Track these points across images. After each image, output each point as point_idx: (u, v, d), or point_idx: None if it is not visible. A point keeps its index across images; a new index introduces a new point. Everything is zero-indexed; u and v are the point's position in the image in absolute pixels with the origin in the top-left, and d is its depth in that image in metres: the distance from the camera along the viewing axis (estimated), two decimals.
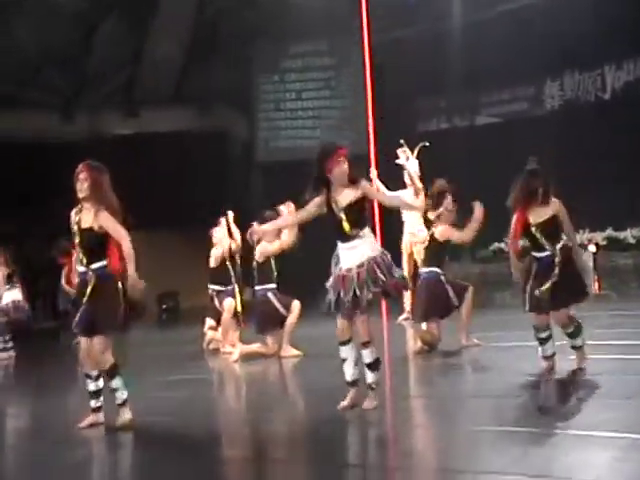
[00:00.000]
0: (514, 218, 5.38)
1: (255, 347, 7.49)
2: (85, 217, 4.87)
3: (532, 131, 13.16)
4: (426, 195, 7.64)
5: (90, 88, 16.17)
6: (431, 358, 6.77)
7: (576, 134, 12.14)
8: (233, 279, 8.24)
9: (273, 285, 7.41)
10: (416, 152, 9.53)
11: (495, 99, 15.04)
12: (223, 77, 15.87)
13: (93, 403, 5.02)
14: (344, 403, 4.96)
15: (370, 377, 4.96)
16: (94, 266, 4.84)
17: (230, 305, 8.05)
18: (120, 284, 4.83)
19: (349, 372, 4.98)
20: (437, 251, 6.83)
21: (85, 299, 4.79)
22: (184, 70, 16.82)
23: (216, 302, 8.23)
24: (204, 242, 8.61)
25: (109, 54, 15.97)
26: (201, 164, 13.92)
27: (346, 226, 4.84)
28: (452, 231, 6.72)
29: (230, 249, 8.28)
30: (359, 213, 4.92)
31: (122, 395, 4.92)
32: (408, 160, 9.35)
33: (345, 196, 4.86)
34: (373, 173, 9.35)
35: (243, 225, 8.69)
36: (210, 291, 8.32)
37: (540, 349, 5.48)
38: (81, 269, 4.91)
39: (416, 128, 14.57)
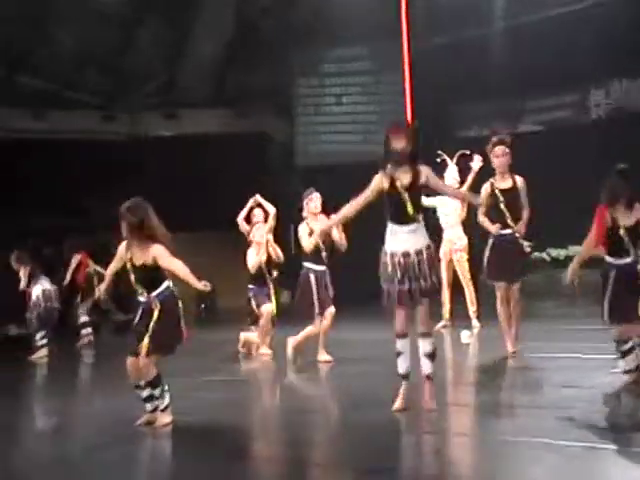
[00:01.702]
0: (597, 218, 5.15)
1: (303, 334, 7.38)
2: (137, 254, 5.05)
3: (576, 139, 12.93)
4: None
5: (131, 89, 16.35)
6: (471, 365, 6.68)
7: (621, 143, 11.89)
8: (269, 281, 8.24)
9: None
10: (455, 159, 9.43)
11: (538, 106, 14.82)
12: (263, 79, 15.92)
13: (149, 407, 5.16)
14: (397, 405, 4.89)
15: (429, 367, 4.91)
16: (155, 293, 5.05)
17: (268, 310, 8.05)
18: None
19: (404, 366, 4.92)
20: None
21: (152, 324, 4.98)
22: (224, 72, 16.91)
23: (253, 304, 8.22)
24: (242, 243, 8.62)
25: (150, 55, 16.14)
26: (239, 166, 13.97)
27: (410, 208, 4.74)
28: None
29: (269, 256, 8.24)
30: (419, 196, 4.86)
31: (164, 402, 5.10)
32: (448, 167, 9.27)
33: (406, 175, 4.76)
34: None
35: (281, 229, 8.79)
36: (249, 292, 8.31)
37: (621, 362, 5.25)
38: (142, 299, 5.08)
39: (455, 134, 14.44)
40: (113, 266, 5.32)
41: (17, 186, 13.71)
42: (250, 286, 8.25)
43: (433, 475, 3.90)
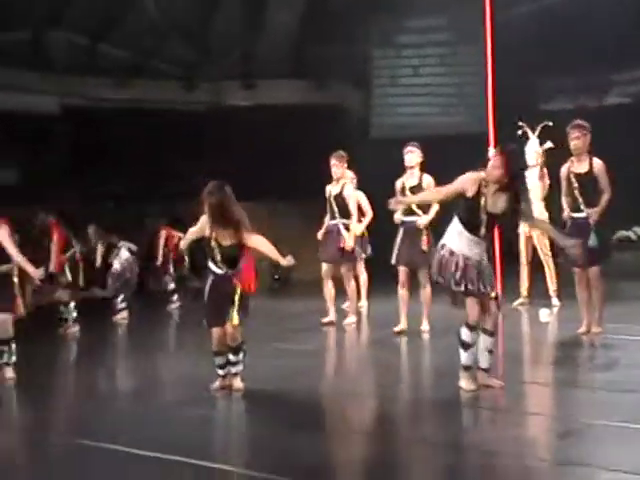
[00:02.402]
0: None
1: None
2: (222, 234, 5.21)
3: None
4: None
5: (211, 59, 16.53)
6: (549, 344, 6.59)
7: None
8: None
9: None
10: (537, 132, 9.19)
11: (627, 78, 14.23)
12: (339, 51, 15.81)
13: (221, 372, 5.40)
14: (472, 386, 4.90)
15: (488, 362, 4.93)
16: (236, 269, 5.29)
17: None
18: None
19: (470, 358, 4.93)
20: None
21: (237, 297, 5.19)
22: (301, 43, 16.89)
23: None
24: (318, 215, 8.67)
25: (230, 26, 16.25)
26: (315, 137, 13.98)
27: (483, 229, 4.84)
28: None
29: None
30: (496, 222, 4.95)
31: (239, 367, 5.35)
32: (529, 139, 9.05)
33: (499, 201, 4.80)
34: (491, 151, 9.09)
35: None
36: None
37: None
38: (219, 271, 5.28)
39: (538, 107, 14.03)
40: (192, 233, 5.48)
41: (100, 154, 14.14)
42: None
43: (510, 453, 3.89)
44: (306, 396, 5.23)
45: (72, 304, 8.94)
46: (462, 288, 4.83)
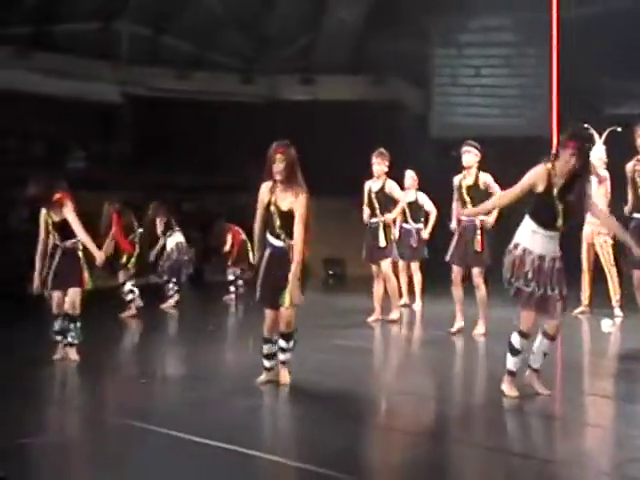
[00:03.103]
0: None
1: None
2: (282, 198, 5.01)
3: None
4: None
5: (270, 52, 16.58)
6: (610, 355, 6.38)
7: None
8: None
9: None
10: (604, 137, 8.91)
11: None
12: (399, 48, 15.66)
13: (267, 363, 5.23)
14: (514, 393, 4.77)
15: (540, 363, 4.84)
16: (293, 241, 5.01)
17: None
18: None
19: (517, 364, 4.81)
20: None
21: (292, 275, 4.95)
22: (361, 39, 16.80)
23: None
24: None
25: (289, 20, 16.27)
26: (373, 134, 13.90)
27: (560, 220, 4.67)
28: None
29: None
30: (572, 210, 4.76)
31: (288, 356, 5.18)
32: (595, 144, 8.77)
33: (570, 189, 4.64)
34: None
35: None
36: None
37: None
38: (278, 244, 5.04)
39: (604, 111, 13.65)
40: (260, 214, 5.13)
41: (159, 144, 14.32)
42: None
43: (565, 461, 3.76)
44: (353, 392, 5.16)
45: (128, 287, 9.05)
46: (529, 289, 4.66)
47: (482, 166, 7.45)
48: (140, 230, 9.50)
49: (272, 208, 5.01)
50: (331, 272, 12.42)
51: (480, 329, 7.22)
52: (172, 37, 15.89)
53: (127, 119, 15.11)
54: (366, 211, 8.26)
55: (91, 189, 10.22)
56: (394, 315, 8.22)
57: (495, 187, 7.17)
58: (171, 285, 10.07)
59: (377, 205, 8.12)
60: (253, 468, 3.66)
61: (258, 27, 16.29)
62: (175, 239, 10.21)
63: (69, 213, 6.00)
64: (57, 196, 6.04)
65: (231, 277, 10.97)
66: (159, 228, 10.25)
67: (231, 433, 4.09)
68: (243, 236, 10.66)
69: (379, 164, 8.14)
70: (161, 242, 10.20)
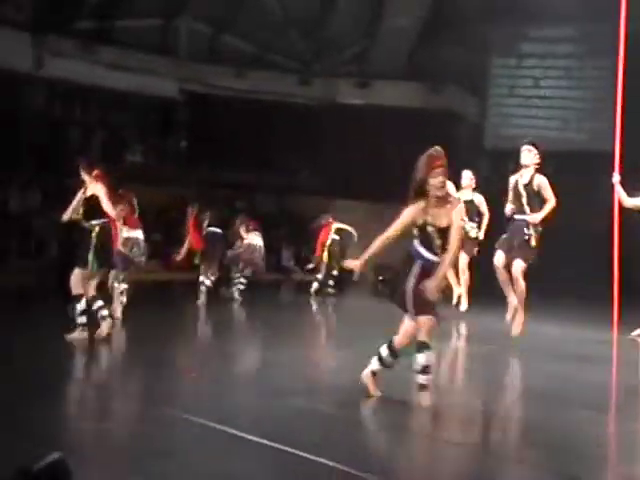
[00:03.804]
0: None
1: None
2: (438, 215, 4.67)
3: None
4: None
5: (327, 56, 16.62)
6: None
7: None
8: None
9: None
10: None
11: None
12: (457, 56, 15.55)
13: (377, 368, 4.89)
14: None
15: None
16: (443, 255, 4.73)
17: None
18: None
19: None
20: None
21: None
22: (418, 46, 16.73)
23: None
24: None
25: (347, 24, 16.29)
26: (426, 142, 13.83)
27: None
28: None
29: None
30: None
31: (428, 377, 4.76)
32: None
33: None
34: (616, 178, 8.62)
35: None
36: None
37: None
38: (433, 258, 4.69)
39: None
40: (396, 230, 4.74)
41: (214, 141, 14.46)
42: None
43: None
44: (407, 399, 5.10)
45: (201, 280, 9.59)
46: None
47: (539, 166, 7.36)
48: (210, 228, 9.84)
49: (429, 229, 4.66)
50: (381, 278, 12.31)
51: (516, 329, 7.13)
52: (231, 36, 16.06)
53: (184, 115, 15.31)
54: None
55: (147, 183, 10.39)
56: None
57: (548, 192, 7.11)
58: (237, 280, 10.39)
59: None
60: (295, 467, 3.65)
61: (317, 30, 16.35)
62: (250, 240, 10.43)
63: (100, 193, 6.32)
64: (96, 172, 6.42)
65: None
66: (245, 235, 10.50)
67: (276, 432, 4.09)
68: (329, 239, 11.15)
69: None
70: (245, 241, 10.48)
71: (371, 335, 7.04)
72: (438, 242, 4.69)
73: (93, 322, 6.51)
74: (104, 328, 6.44)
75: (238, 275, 10.40)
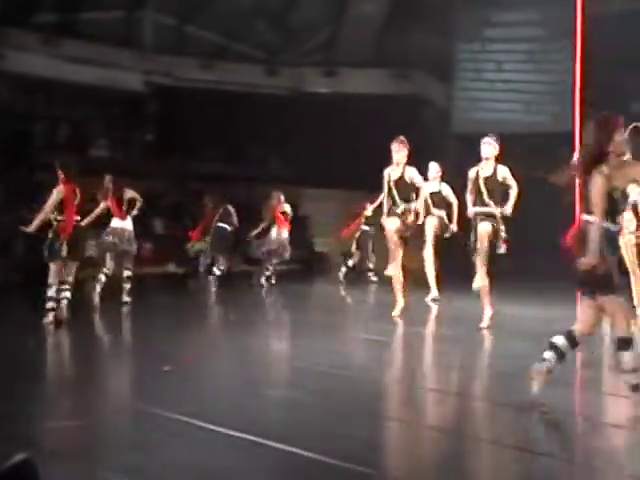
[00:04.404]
0: None
1: None
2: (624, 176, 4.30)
3: None
4: None
5: (294, 45, 16.60)
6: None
7: None
8: None
9: None
10: (626, 134, 8.84)
11: None
12: (422, 42, 15.63)
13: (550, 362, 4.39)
14: None
15: None
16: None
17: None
18: None
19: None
20: None
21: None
22: (383, 32, 16.77)
23: None
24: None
25: (313, 12, 16.29)
26: (395, 128, 13.91)
27: None
28: None
29: None
30: None
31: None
32: None
33: None
34: (576, 157, 8.79)
35: None
36: None
37: None
38: (615, 229, 4.27)
39: (629, 108, 13.54)
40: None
41: (182, 133, 14.40)
42: None
43: (586, 462, 3.78)
44: (383, 387, 5.19)
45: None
46: None
47: (504, 161, 7.48)
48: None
49: (616, 195, 4.21)
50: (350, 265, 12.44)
51: (485, 322, 7.29)
52: (197, 27, 15.96)
53: (151, 108, 15.22)
54: (386, 198, 8.22)
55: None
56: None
57: (512, 179, 7.25)
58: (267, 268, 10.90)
59: (396, 192, 8.08)
60: (270, 458, 3.68)
61: (283, 19, 16.32)
62: (273, 233, 10.87)
63: (54, 195, 6.89)
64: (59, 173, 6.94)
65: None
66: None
67: (252, 423, 4.12)
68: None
69: (398, 152, 8.11)
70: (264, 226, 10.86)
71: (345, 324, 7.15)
72: (621, 207, 4.32)
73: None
74: (63, 312, 7.05)
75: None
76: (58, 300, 6.95)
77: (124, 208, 8.47)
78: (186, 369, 5.71)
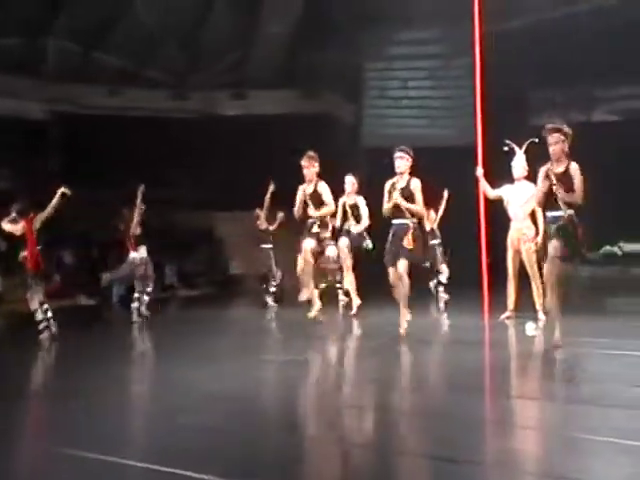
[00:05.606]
0: None
1: None
2: None
3: None
4: None
5: (203, 69, 16.57)
6: (536, 358, 6.58)
7: None
8: None
9: None
10: (524, 148, 9.24)
11: (614, 95, 14.38)
12: (331, 61, 15.92)
13: None
14: None
15: None
16: None
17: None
18: None
19: None
20: None
21: None
22: (292, 53, 16.97)
23: None
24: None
25: (222, 34, 16.32)
26: (307, 148, 14.06)
27: None
28: None
29: None
30: None
31: None
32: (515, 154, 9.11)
33: None
34: (479, 171, 9.12)
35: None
36: None
37: None
38: None
39: (527, 122, 14.15)
40: None
41: (88, 160, 14.10)
42: None
43: (493, 463, 3.89)
44: (301, 406, 5.20)
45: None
46: None
47: (412, 169, 7.69)
48: None
49: None
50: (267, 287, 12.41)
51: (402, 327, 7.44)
52: (102, 53, 15.72)
53: (54, 136, 14.85)
54: (299, 213, 8.34)
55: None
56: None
57: (418, 195, 7.48)
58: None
59: (312, 206, 8.25)
60: None
61: (192, 42, 16.28)
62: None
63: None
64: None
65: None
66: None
67: (161, 453, 4.06)
68: None
69: (308, 167, 8.29)
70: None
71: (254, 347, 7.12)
72: None
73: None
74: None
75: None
76: (48, 319, 8.00)
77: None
78: (92, 403, 5.57)
